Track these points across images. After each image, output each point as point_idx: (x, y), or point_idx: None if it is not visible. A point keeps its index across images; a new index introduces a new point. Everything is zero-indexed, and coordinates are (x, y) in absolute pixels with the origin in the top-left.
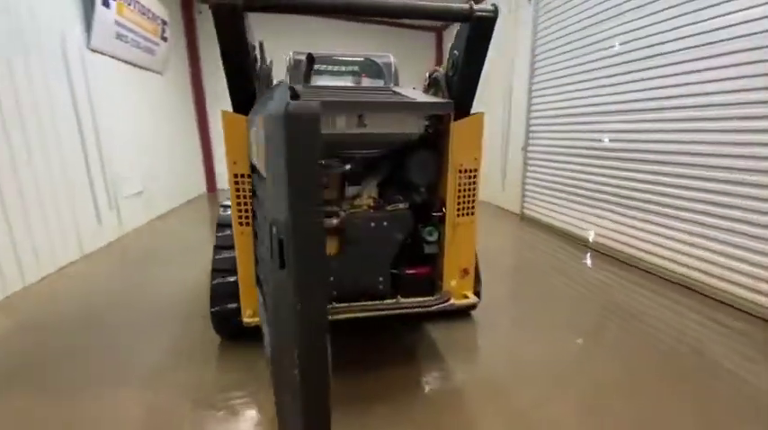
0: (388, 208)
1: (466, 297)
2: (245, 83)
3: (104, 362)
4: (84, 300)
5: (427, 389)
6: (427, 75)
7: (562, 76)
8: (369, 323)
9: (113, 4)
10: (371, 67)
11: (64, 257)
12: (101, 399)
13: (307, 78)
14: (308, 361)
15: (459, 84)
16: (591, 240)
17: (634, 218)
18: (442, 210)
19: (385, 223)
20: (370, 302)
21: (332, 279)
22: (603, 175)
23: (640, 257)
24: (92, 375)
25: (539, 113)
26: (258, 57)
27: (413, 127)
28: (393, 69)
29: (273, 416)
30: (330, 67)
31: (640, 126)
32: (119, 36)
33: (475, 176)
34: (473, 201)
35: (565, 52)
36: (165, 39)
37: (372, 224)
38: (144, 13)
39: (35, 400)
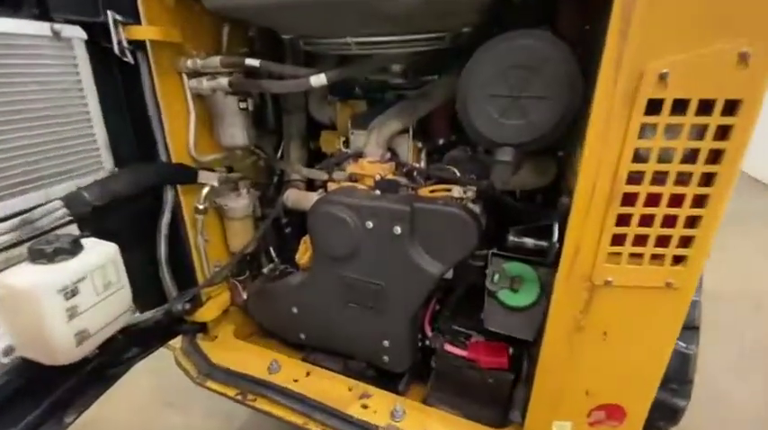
0: (423, 190)
1: None
2: None
3: None
4: None
5: None
6: None
7: None
8: None
9: None
10: None
11: None
12: None
13: None
14: None
15: None
16: None
17: None
18: (552, 234)
19: (398, 228)
20: (328, 410)
21: (295, 310)
22: None
23: None
24: None
25: None
26: None
27: None
28: None
29: None
30: None
31: None
32: None
33: (741, 128)
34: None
35: None
36: None
37: (370, 224)
38: None
39: None
